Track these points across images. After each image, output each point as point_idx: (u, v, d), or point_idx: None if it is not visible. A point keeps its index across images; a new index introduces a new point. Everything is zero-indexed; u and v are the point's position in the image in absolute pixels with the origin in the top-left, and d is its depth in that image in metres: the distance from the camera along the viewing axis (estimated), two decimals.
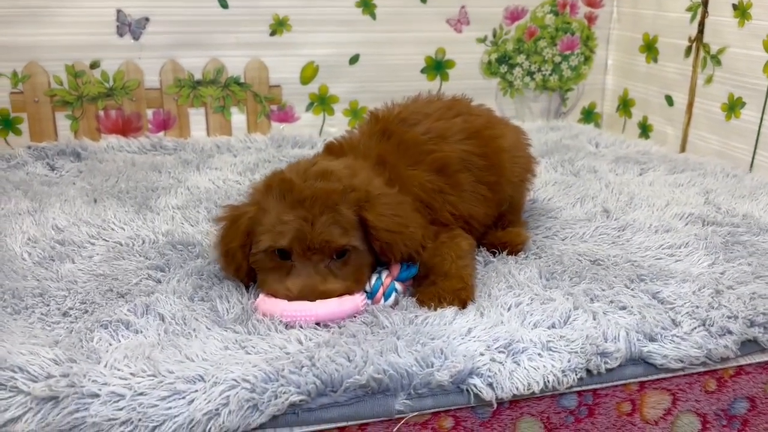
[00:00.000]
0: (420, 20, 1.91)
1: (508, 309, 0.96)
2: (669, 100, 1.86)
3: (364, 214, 0.98)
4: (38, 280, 1.02)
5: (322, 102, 1.91)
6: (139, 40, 1.75)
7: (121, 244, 1.16)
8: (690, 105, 1.78)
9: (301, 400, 0.78)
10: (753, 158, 1.59)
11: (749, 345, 0.94)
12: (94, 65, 1.74)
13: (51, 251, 1.11)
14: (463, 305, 0.98)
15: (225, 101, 1.85)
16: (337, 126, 1.92)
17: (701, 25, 1.72)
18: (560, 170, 1.63)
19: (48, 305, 0.95)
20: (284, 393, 0.77)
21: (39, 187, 1.42)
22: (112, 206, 1.32)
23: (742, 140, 1.62)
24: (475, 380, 0.83)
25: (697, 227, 1.25)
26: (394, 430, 0.82)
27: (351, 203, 0.97)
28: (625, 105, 2.05)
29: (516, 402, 0.87)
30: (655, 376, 0.91)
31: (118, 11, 1.71)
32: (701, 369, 0.92)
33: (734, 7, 1.61)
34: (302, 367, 0.80)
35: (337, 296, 0.94)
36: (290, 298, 0.93)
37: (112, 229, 1.22)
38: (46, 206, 1.30)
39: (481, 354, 0.85)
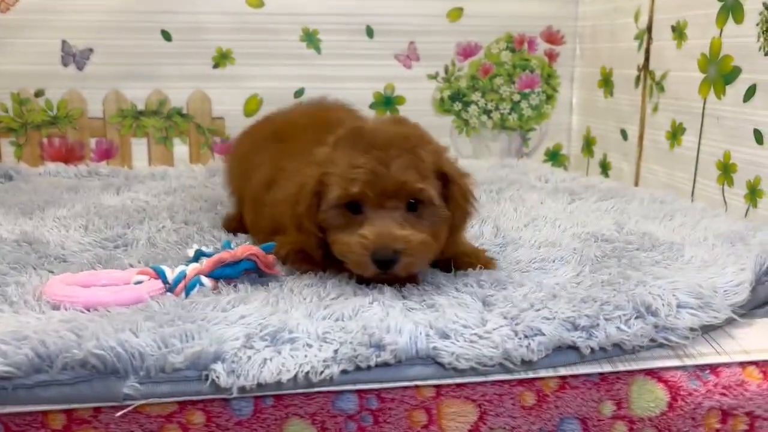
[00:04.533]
0: (367, 55, 1.89)
1: (305, 300, 0.87)
2: (624, 134, 1.74)
3: (444, 169, 0.92)
4: None
5: None
6: (83, 70, 1.79)
7: None
8: (641, 137, 1.67)
9: (7, 372, 0.71)
10: (693, 187, 1.45)
11: (569, 353, 0.81)
12: (39, 94, 1.79)
13: None
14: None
15: (168, 132, 1.86)
16: None
17: (647, 52, 1.62)
18: (482, 198, 1.53)
19: None
20: None
21: None
22: None
23: (683, 169, 1.49)
24: (218, 366, 0.74)
25: (583, 243, 1.13)
26: (118, 414, 0.73)
27: (430, 153, 0.92)
28: (588, 144, 1.94)
29: (280, 399, 0.77)
30: (451, 380, 0.79)
31: (63, 42, 1.77)
32: (507, 376, 0.80)
33: (673, 29, 1.51)
34: (23, 338, 0.74)
35: (417, 245, 0.87)
36: (366, 247, 0.86)
37: None
38: None
39: (235, 339, 0.76)
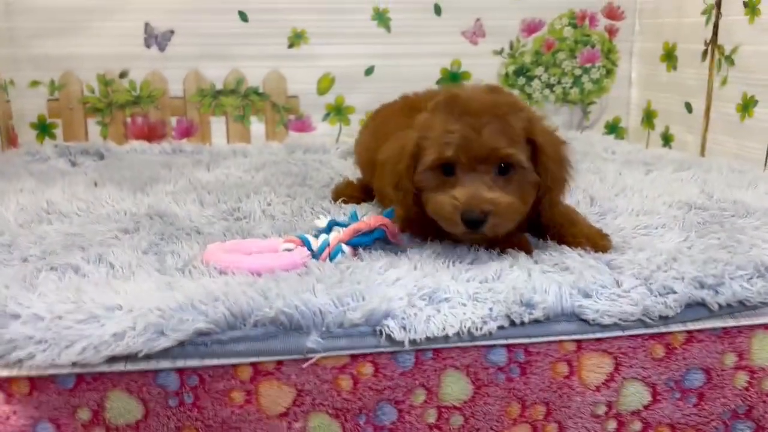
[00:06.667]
0: (435, 33, 1.95)
1: (447, 267, 0.95)
2: (688, 107, 1.80)
3: (533, 135, 0.97)
4: (13, 236, 1.08)
5: (338, 112, 1.97)
6: (165, 52, 1.86)
7: (103, 215, 1.22)
8: (707, 110, 1.73)
9: (208, 329, 0.79)
10: (767, 157, 1.52)
11: (698, 309, 0.89)
12: (123, 75, 1.86)
13: (36, 217, 1.19)
14: (603, 250, 1.00)
15: (245, 110, 1.93)
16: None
17: (715, 26, 1.67)
18: None
19: (11, 253, 1.01)
20: (191, 320, 0.79)
21: (53, 175, 1.52)
22: (109, 189, 1.39)
23: (755, 139, 1.55)
24: (389, 321, 0.82)
25: (681, 211, 1.20)
26: (305, 365, 0.82)
27: (521, 119, 0.96)
28: (648, 117, 2.00)
29: (439, 352, 0.85)
30: (592, 335, 0.87)
31: (146, 24, 1.84)
32: (643, 330, 0.88)
33: (745, 4, 1.57)
34: (216, 299, 0.82)
35: (505, 207, 0.93)
36: (457, 208, 0.92)
37: (102, 206, 1.29)
38: (49, 187, 1.39)
39: (400, 298, 0.84)
